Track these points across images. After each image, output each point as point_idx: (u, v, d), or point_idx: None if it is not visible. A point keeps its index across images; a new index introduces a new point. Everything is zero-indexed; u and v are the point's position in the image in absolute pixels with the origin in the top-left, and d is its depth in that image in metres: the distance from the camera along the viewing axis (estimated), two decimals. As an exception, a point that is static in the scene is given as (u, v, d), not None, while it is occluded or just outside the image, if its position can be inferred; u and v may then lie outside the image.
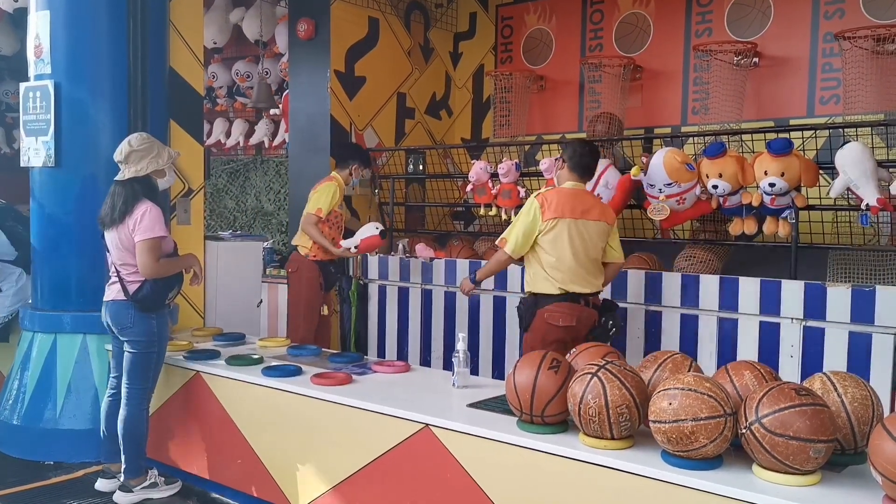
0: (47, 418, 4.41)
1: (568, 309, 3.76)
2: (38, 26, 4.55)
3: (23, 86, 4.67)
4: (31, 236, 4.81)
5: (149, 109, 4.62)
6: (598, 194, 4.67)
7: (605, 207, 4.00)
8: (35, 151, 4.58)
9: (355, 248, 5.10)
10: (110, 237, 3.76)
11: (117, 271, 3.77)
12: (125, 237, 3.70)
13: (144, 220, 3.66)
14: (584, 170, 3.91)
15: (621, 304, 4.48)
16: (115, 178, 3.79)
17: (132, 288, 3.73)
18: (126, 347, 3.79)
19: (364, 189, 6.10)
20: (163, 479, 3.90)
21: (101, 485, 3.96)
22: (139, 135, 3.88)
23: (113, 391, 3.93)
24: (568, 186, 3.89)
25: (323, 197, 5.07)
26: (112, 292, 3.80)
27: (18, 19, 6.94)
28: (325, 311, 5.28)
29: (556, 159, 4.22)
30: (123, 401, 3.79)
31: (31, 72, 4.65)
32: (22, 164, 4.71)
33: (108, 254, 3.83)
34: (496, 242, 3.94)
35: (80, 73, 4.50)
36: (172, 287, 3.85)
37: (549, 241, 3.76)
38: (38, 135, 4.57)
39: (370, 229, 5.12)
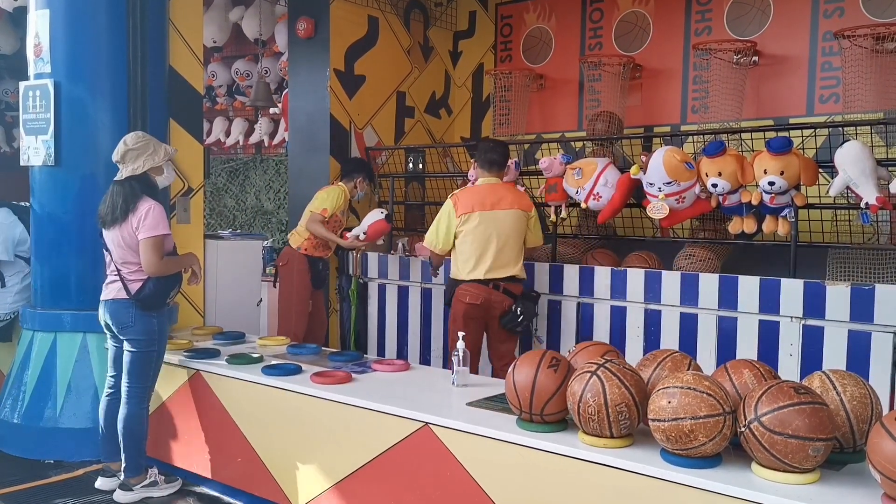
0: (47, 417, 4.41)
1: (475, 289, 4.32)
2: (38, 25, 4.55)
3: (22, 84, 4.67)
4: (31, 234, 4.81)
5: (148, 108, 4.63)
6: (598, 192, 4.68)
7: (521, 196, 4.49)
8: (35, 150, 4.58)
9: (364, 234, 5.12)
10: (111, 236, 3.76)
11: (118, 270, 3.77)
12: (128, 235, 3.70)
13: (148, 218, 3.67)
14: (492, 164, 4.45)
15: (621, 303, 4.49)
16: (114, 179, 3.79)
17: (134, 287, 3.74)
18: (126, 346, 3.79)
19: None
20: (163, 477, 3.90)
21: (102, 483, 3.96)
22: (135, 133, 3.89)
23: (111, 390, 3.92)
24: (480, 183, 4.45)
25: (330, 198, 5.18)
26: (112, 291, 3.80)
27: (18, 18, 6.94)
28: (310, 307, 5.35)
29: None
30: (123, 399, 3.79)
31: (31, 71, 4.65)
32: (22, 163, 4.71)
33: (106, 252, 3.83)
34: (422, 245, 4.66)
35: (79, 72, 4.51)
36: (174, 286, 3.86)
37: (465, 233, 4.31)
38: (37, 133, 4.57)
39: (375, 215, 5.16)
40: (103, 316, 3.83)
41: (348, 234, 5.18)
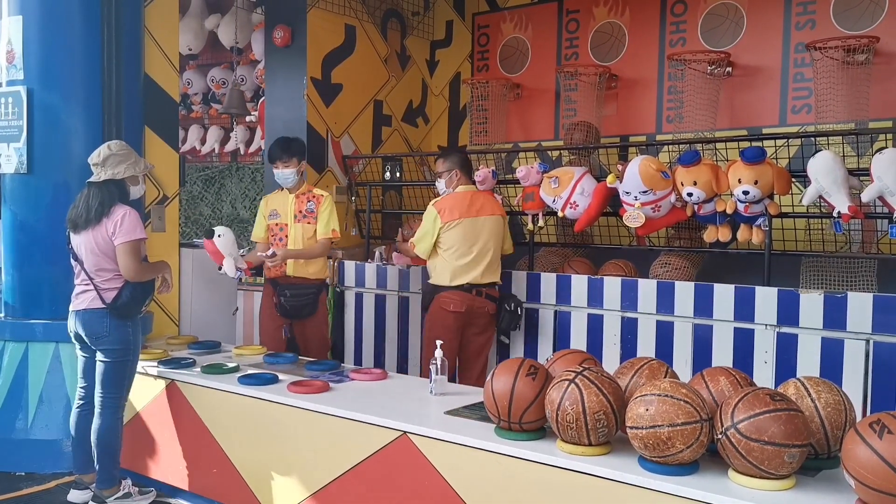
0: (19, 428, 4.34)
1: (459, 296, 4.36)
2: (11, 31, 4.50)
3: (-6, 91, 4.61)
4: (2, 243, 4.74)
5: (123, 116, 4.59)
6: (575, 201, 4.71)
7: (498, 204, 4.60)
8: (7, 158, 4.52)
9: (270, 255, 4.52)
10: (83, 240, 3.69)
11: (90, 278, 3.70)
12: (102, 241, 3.65)
13: (125, 223, 3.64)
14: (470, 172, 4.59)
15: (597, 311, 4.52)
16: (89, 180, 3.75)
17: (109, 296, 3.68)
18: (100, 357, 3.73)
19: (340, 196, 6.09)
20: (136, 488, 3.85)
21: (74, 496, 3.89)
22: (118, 141, 3.89)
23: (82, 401, 3.86)
24: (461, 190, 4.49)
25: (335, 214, 4.69)
26: (84, 301, 3.73)
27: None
28: (288, 333, 4.72)
29: (448, 170, 4.59)
30: (97, 410, 3.74)
31: (3, 77, 4.59)
32: (-7, 171, 4.65)
33: (75, 262, 3.76)
34: (410, 242, 4.60)
35: (53, 79, 4.46)
36: (149, 293, 3.83)
37: (449, 239, 4.36)
38: (9, 141, 4.50)
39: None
40: (74, 326, 3.76)
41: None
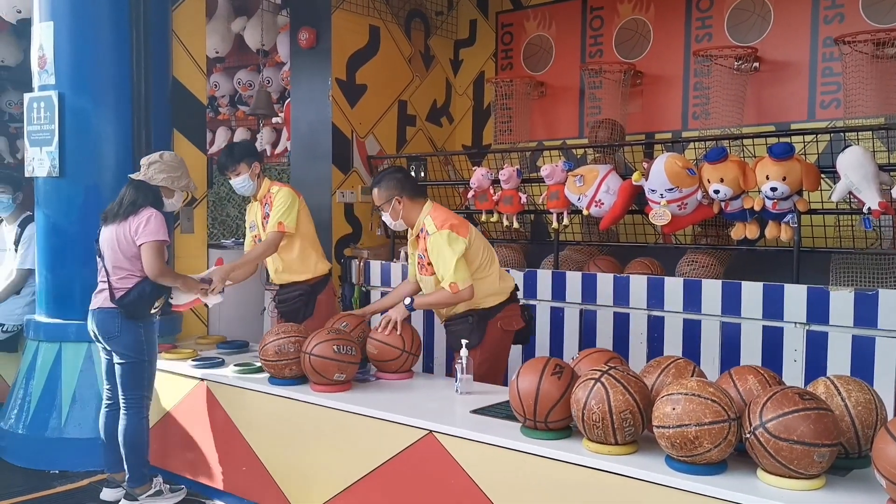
0: (52, 427, 4.42)
1: (518, 310, 3.78)
2: (42, 37, 4.58)
3: (27, 96, 4.70)
4: (36, 245, 4.83)
5: (152, 119, 4.65)
6: (600, 199, 4.69)
7: None
8: (39, 162, 4.60)
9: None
10: (108, 234, 3.74)
11: (107, 275, 3.75)
12: (123, 238, 3.70)
13: (150, 224, 3.68)
14: (416, 187, 3.84)
15: (623, 310, 4.49)
16: (131, 176, 3.85)
17: (119, 294, 3.72)
18: (115, 359, 3.79)
19: (366, 196, 6.12)
20: (168, 486, 3.90)
21: (107, 494, 3.97)
22: (173, 153, 4.02)
23: (109, 402, 3.92)
24: (433, 205, 3.78)
25: (286, 207, 4.23)
26: (99, 300, 3.79)
27: (21, 30, 6.97)
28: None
29: (387, 200, 3.80)
30: (122, 411, 3.79)
31: (35, 82, 4.68)
32: (26, 175, 4.74)
33: (99, 259, 3.81)
34: (448, 287, 3.56)
35: (83, 83, 4.53)
36: (160, 295, 3.80)
37: (474, 253, 3.64)
38: (42, 145, 4.59)
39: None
40: (91, 325, 3.82)
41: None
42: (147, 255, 3.68)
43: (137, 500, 3.79)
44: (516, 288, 3.88)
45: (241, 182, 4.26)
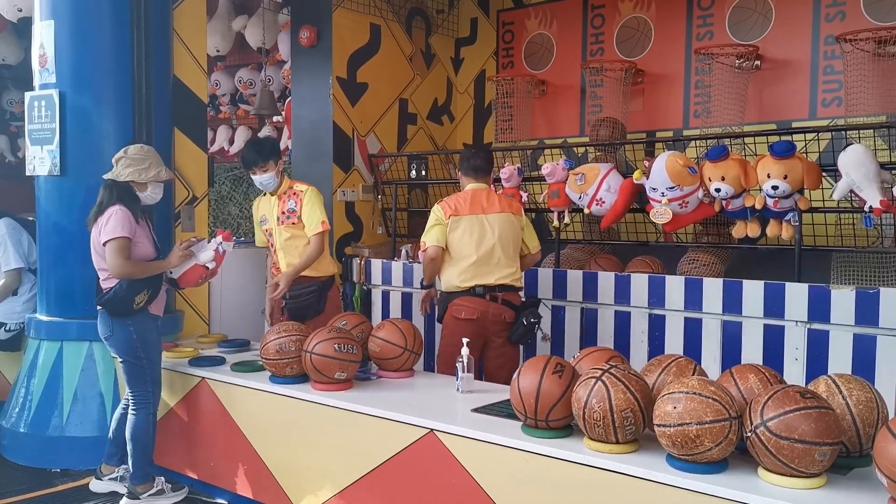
0: (54, 426, 4.43)
1: (471, 303, 4.04)
2: (43, 36, 4.58)
3: (28, 95, 4.70)
4: (37, 244, 4.84)
5: (153, 118, 4.65)
6: (601, 198, 4.68)
7: (510, 202, 4.24)
8: (40, 160, 4.60)
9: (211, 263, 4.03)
10: (91, 238, 3.79)
11: (98, 277, 3.80)
12: (96, 239, 3.74)
13: (110, 223, 3.66)
14: (477, 171, 4.22)
15: (624, 309, 4.49)
16: (103, 175, 3.84)
17: (103, 294, 3.74)
18: (116, 358, 3.82)
19: (367, 195, 6.12)
20: (169, 485, 3.91)
21: (96, 486, 4.01)
22: (139, 145, 3.94)
23: (124, 399, 3.95)
24: (469, 189, 4.21)
25: (318, 206, 4.40)
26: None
27: (22, 29, 6.97)
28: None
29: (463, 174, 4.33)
30: (130, 408, 3.81)
31: (36, 81, 4.68)
32: (27, 174, 4.74)
33: None
34: (420, 252, 4.22)
35: (84, 82, 4.53)
36: (139, 291, 3.73)
37: (455, 240, 4.07)
38: (43, 144, 4.59)
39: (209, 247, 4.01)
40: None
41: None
42: (108, 253, 3.66)
43: (139, 499, 3.80)
44: (483, 291, 4.05)
45: (267, 178, 4.31)
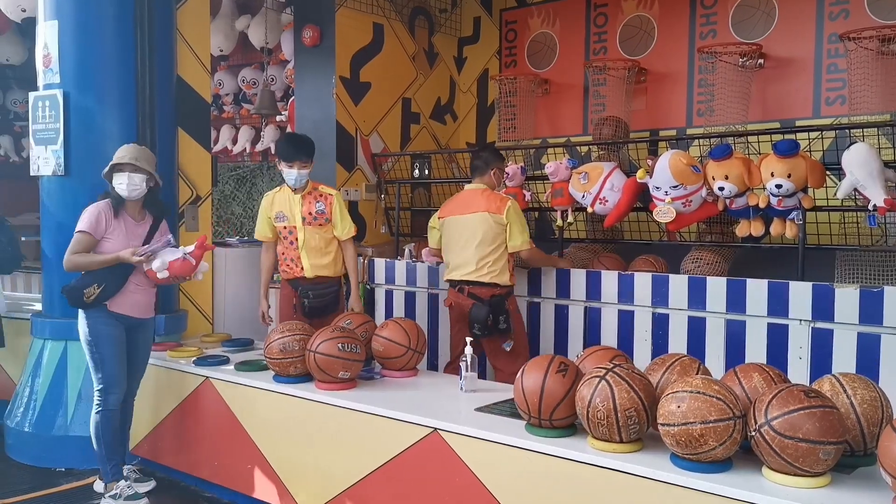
0: (58, 425, 4.44)
1: (449, 293, 4.51)
2: (47, 36, 4.59)
3: (32, 95, 4.71)
4: (41, 244, 4.84)
5: (156, 117, 4.66)
6: (604, 197, 4.68)
7: (493, 202, 4.32)
8: (45, 160, 4.61)
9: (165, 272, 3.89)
10: None
11: None
12: None
13: (81, 216, 3.82)
14: (474, 171, 4.51)
15: (628, 308, 4.49)
16: None
17: None
18: None
19: (370, 194, 6.12)
20: (131, 489, 3.82)
21: (98, 485, 4.02)
22: (128, 146, 3.97)
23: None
24: (466, 189, 4.54)
25: (346, 210, 4.58)
26: None
27: (26, 29, 6.99)
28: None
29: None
30: None
31: (40, 81, 4.69)
32: (32, 173, 4.74)
33: None
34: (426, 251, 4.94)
35: (88, 82, 4.54)
36: (89, 284, 3.74)
37: (444, 239, 4.54)
38: (47, 144, 4.60)
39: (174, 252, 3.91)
40: None
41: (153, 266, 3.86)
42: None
43: (103, 497, 3.81)
44: (455, 283, 4.43)
45: (303, 175, 4.37)
